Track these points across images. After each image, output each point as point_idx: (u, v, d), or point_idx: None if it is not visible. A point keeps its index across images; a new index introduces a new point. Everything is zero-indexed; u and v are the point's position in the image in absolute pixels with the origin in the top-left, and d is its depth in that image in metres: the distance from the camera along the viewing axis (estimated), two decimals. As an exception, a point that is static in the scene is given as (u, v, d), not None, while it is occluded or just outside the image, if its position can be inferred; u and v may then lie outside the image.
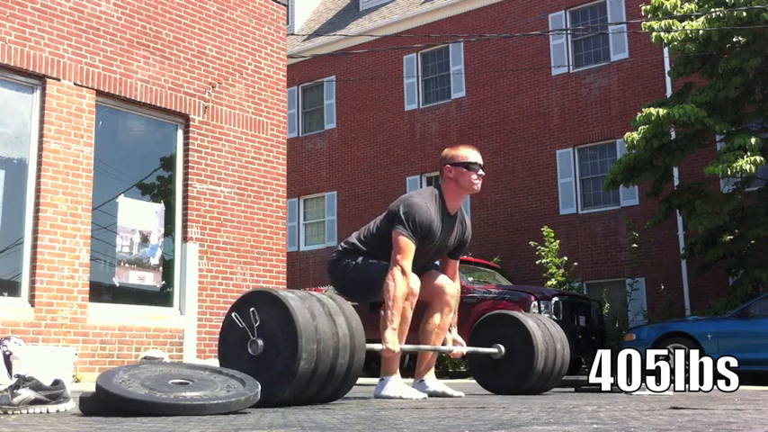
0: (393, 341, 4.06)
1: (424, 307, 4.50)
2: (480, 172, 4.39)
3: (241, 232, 9.14)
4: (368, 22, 21.40)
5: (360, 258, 4.32)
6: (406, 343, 4.31)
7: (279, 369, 3.29)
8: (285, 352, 3.28)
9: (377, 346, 4.06)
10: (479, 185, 4.40)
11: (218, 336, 9.09)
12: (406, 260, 4.13)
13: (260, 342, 3.36)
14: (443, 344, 4.58)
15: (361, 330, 3.52)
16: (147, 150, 8.94)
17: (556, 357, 4.89)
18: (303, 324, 3.26)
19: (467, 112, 19.28)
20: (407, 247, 4.15)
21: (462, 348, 4.62)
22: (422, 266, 4.42)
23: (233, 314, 3.44)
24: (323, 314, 3.39)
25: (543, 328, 4.93)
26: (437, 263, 4.75)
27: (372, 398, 4.19)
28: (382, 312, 4.17)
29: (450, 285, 4.49)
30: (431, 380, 4.47)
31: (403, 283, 4.09)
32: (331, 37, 20.89)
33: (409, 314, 4.21)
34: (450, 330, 4.62)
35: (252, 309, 3.38)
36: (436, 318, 4.47)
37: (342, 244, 4.50)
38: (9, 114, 7.65)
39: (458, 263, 4.71)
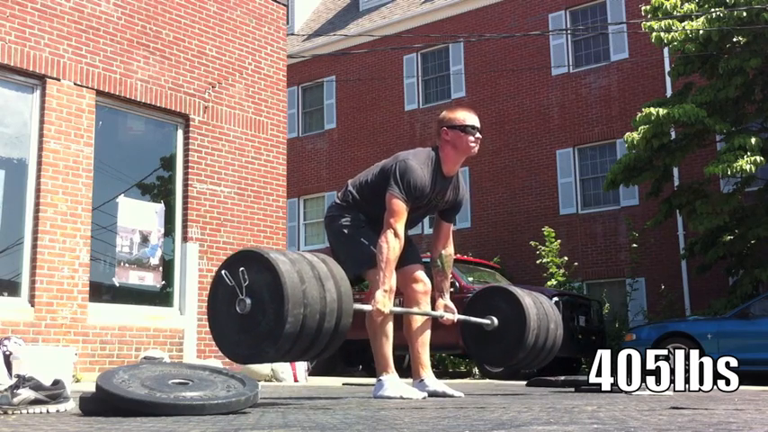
0: (383, 302, 4.08)
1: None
2: (477, 135, 4.41)
3: (241, 232, 9.14)
4: (368, 22, 21.40)
5: (356, 225, 4.31)
6: (395, 343, 4.32)
7: (264, 330, 3.35)
8: (271, 314, 3.34)
9: (365, 307, 4.08)
10: (476, 148, 4.42)
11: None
12: (399, 223, 4.18)
13: (248, 301, 3.40)
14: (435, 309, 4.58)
15: (350, 295, 3.57)
16: (147, 150, 8.94)
17: (548, 337, 4.89)
18: (291, 288, 3.31)
19: (467, 112, 19.25)
20: (400, 209, 4.19)
21: (453, 316, 4.62)
22: (407, 225, 4.42)
23: (223, 272, 3.49)
24: (312, 278, 3.44)
25: (539, 305, 4.94)
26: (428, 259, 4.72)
27: (372, 398, 4.18)
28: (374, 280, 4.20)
29: (421, 282, 4.49)
30: (430, 379, 4.46)
31: (396, 246, 4.13)
32: (331, 37, 20.89)
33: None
34: (442, 296, 4.63)
35: (242, 269, 3.42)
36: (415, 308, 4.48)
37: (337, 197, 4.50)
38: (9, 114, 7.65)
39: (452, 226, 4.70)
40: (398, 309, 4.28)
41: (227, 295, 3.48)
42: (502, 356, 4.90)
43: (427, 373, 4.47)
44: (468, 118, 4.42)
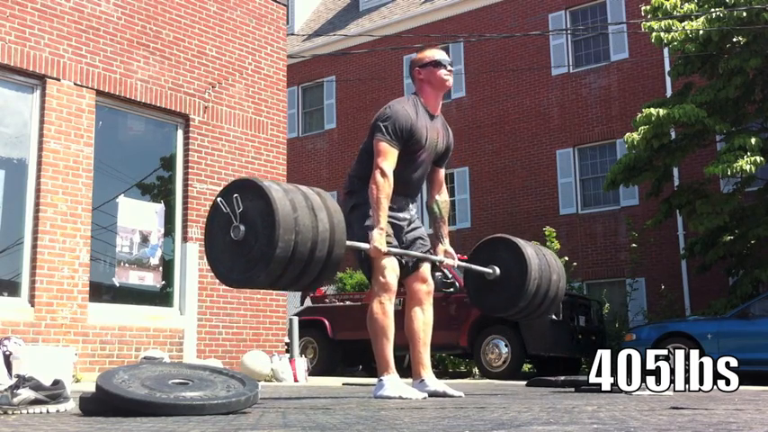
0: (380, 240, 4.10)
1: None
2: (449, 68, 4.49)
3: (241, 232, 9.13)
4: (368, 22, 21.40)
5: (360, 219, 4.28)
6: (396, 343, 4.31)
7: (257, 255, 3.50)
8: (263, 239, 3.47)
9: (363, 245, 4.09)
10: (450, 81, 4.50)
11: (217, 336, 9.06)
12: (386, 161, 4.19)
13: (242, 228, 3.55)
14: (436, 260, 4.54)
15: (343, 227, 3.66)
16: (147, 150, 8.94)
17: (550, 287, 4.89)
18: (283, 215, 3.44)
19: (467, 112, 19.28)
20: (386, 149, 4.21)
21: (453, 261, 4.62)
22: (419, 179, 4.43)
23: (218, 199, 3.65)
24: (305, 207, 3.56)
25: (542, 257, 4.95)
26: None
27: (372, 398, 4.18)
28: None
29: (426, 282, 4.49)
30: (430, 379, 4.46)
31: (384, 185, 4.14)
32: (331, 37, 20.90)
33: (389, 308, 4.23)
34: (441, 241, 4.63)
35: (236, 195, 3.56)
36: (418, 312, 4.46)
37: (343, 191, 4.51)
38: (9, 114, 7.65)
39: (443, 171, 4.71)
40: (396, 249, 4.24)
41: (223, 223, 3.63)
42: (503, 304, 4.90)
43: (427, 373, 4.46)
44: (437, 54, 4.51)
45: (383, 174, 4.17)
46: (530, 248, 4.89)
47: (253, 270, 3.50)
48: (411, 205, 4.53)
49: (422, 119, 4.37)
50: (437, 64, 4.45)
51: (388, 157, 4.21)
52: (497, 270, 4.84)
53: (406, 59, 20.19)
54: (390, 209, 4.28)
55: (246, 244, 3.54)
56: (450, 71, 4.49)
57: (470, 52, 19.42)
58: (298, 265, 3.51)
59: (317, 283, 3.77)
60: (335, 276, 4.07)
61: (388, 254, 4.17)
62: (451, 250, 4.67)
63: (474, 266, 4.87)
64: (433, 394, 4.31)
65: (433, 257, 4.52)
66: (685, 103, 12.87)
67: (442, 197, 4.69)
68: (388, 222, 4.26)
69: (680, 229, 15.94)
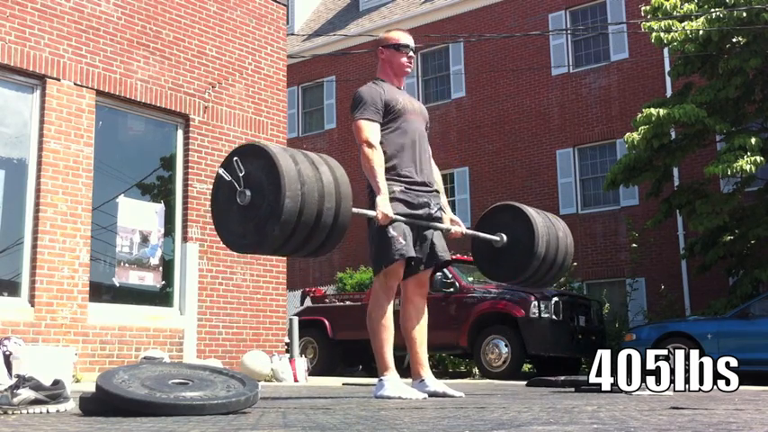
0: (385, 205, 4.10)
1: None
2: (410, 54, 4.53)
3: (241, 232, 9.13)
4: (368, 22, 21.40)
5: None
6: (395, 343, 4.31)
7: (267, 211, 3.49)
8: (271, 194, 3.48)
9: (369, 212, 4.09)
10: (410, 68, 4.55)
11: (217, 336, 9.05)
12: (368, 134, 4.22)
13: (247, 192, 3.56)
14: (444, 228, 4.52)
15: (347, 180, 3.69)
16: (147, 150, 8.94)
17: (558, 245, 4.88)
18: (285, 167, 3.46)
19: (467, 112, 19.29)
20: (364, 124, 4.25)
21: (460, 228, 4.62)
22: (418, 143, 4.40)
23: (220, 170, 3.67)
24: (305, 161, 3.59)
25: (543, 216, 4.96)
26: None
27: (372, 398, 4.18)
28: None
29: (425, 287, 4.49)
30: (430, 379, 4.46)
31: (374, 154, 4.18)
32: (331, 37, 20.90)
33: (389, 309, 4.23)
34: (444, 211, 4.62)
35: (235, 159, 3.58)
36: (414, 313, 4.46)
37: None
38: (9, 114, 7.65)
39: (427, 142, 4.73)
40: (402, 218, 4.20)
41: (228, 193, 3.63)
42: (515, 270, 4.86)
43: (427, 373, 4.46)
44: (402, 38, 4.52)
45: (369, 145, 4.20)
46: (531, 209, 4.90)
47: (266, 226, 3.47)
48: (431, 198, 4.44)
49: (389, 90, 4.42)
50: (398, 47, 4.49)
51: (368, 130, 4.24)
52: (504, 237, 4.83)
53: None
54: (405, 180, 4.29)
55: (254, 205, 3.54)
56: (410, 57, 4.53)
57: (470, 52, 19.43)
58: (309, 218, 3.49)
59: (331, 241, 3.66)
60: (342, 239, 4.00)
61: (393, 224, 4.14)
62: (457, 218, 4.67)
63: (481, 234, 4.86)
64: (432, 394, 4.31)
65: (441, 225, 4.48)
66: (685, 103, 12.87)
67: (434, 170, 4.66)
68: (404, 198, 4.26)
69: (680, 229, 15.93)
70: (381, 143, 4.29)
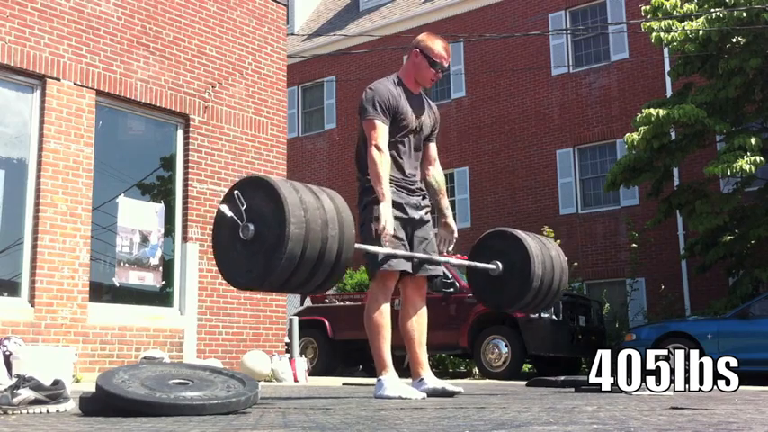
0: (388, 215, 4.09)
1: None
2: (440, 73, 4.52)
3: (241, 232, 9.13)
4: (368, 22, 21.40)
5: (369, 220, 4.26)
6: (395, 343, 4.31)
7: (272, 240, 3.40)
8: (275, 224, 3.40)
9: (371, 248, 4.06)
10: (432, 84, 4.56)
11: (217, 336, 9.04)
12: (379, 137, 4.20)
13: (250, 226, 3.47)
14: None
15: (347, 207, 3.63)
16: (147, 150, 8.93)
17: (554, 265, 4.87)
18: (287, 194, 3.40)
19: (467, 112, 19.28)
20: (376, 125, 4.22)
21: (453, 233, 4.62)
22: (415, 157, 4.44)
23: (221, 206, 3.58)
24: (305, 190, 3.55)
25: (535, 238, 4.96)
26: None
27: (372, 398, 4.18)
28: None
29: (419, 288, 4.50)
30: (429, 378, 4.46)
31: (382, 159, 4.15)
32: (331, 37, 20.90)
33: (386, 308, 4.23)
34: (444, 213, 4.66)
35: (236, 192, 3.51)
36: (413, 313, 4.47)
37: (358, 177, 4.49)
38: (9, 114, 7.65)
39: (435, 146, 4.72)
40: (402, 252, 4.18)
41: (230, 230, 3.55)
42: (510, 299, 4.86)
43: (426, 371, 4.46)
44: (444, 57, 4.49)
45: (378, 148, 4.18)
46: (530, 239, 4.88)
47: (273, 258, 3.38)
48: (422, 200, 4.47)
49: (404, 97, 4.40)
50: (434, 64, 4.46)
51: (379, 132, 4.22)
52: (500, 265, 4.83)
53: (405, 60, 20.19)
54: (400, 188, 4.29)
55: (260, 236, 3.46)
56: (438, 76, 4.53)
57: (470, 52, 19.42)
58: (314, 246, 3.43)
59: (338, 270, 3.60)
60: (345, 272, 3.98)
61: (392, 239, 4.13)
62: (452, 223, 4.68)
63: (477, 264, 4.85)
64: (432, 392, 4.31)
65: (437, 258, 4.49)
66: (685, 103, 12.87)
67: (438, 170, 4.68)
68: (397, 216, 4.25)
69: (680, 229, 15.93)
70: None
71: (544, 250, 4.87)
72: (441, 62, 4.47)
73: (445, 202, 4.70)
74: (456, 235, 4.68)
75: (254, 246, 3.47)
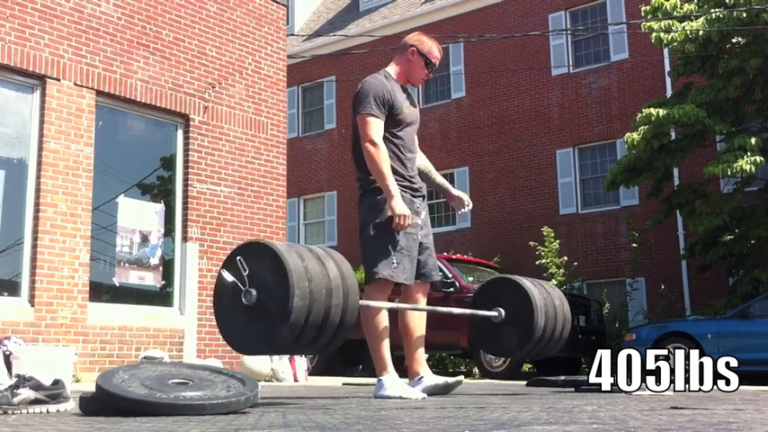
0: (401, 207, 4.07)
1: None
2: (431, 73, 4.59)
3: (241, 232, 9.14)
4: (368, 22, 21.40)
5: (382, 208, 4.21)
6: (396, 343, 4.33)
7: (275, 311, 3.33)
8: (278, 294, 3.33)
9: (376, 303, 4.06)
10: (421, 83, 4.65)
11: (217, 336, 9.06)
12: (373, 131, 4.17)
13: (253, 291, 3.40)
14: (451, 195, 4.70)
15: (352, 274, 3.57)
16: (147, 150, 8.94)
17: (557, 314, 4.87)
18: (293, 264, 3.32)
19: (467, 112, 19.28)
20: (370, 120, 4.19)
21: (465, 203, 4.68)
22: (412, 149, 4.46)
23: (222, 271, 3.51)
24: (311, 257, 3.47)
25: (539, 286, 4.95)
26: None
27: (372, 398, 4.18)
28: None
29: (422, 294, 4.52)
30: (428, 375, 4.46)
31: (380, 154, 4.12)
32: (331, 37, 20.90)
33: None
34: (446, 186, 4.73)
35: (239, 258, 3.44)
36: (413, 313, 4.48)
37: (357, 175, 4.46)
38: (9, 114, 7.65)
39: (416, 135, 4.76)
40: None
41: (232, 293, 3.48)
42: (513, 347, 4.87)
43: (425, 369, 4.47)
44: (435, 54, 4.54)
45: (373, 143, 4.15)
46: (526, 281, 4.89)
47: (275, 329, 3.32)
48: (422, 201, 4.49)
49: (398, 91, 4.42)
50: (428, 63, 4.51)
51: (373, 127, 4.19)
52: (503, 312, 4.82)
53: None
54: (405, 188, 4.28)
55: (261, 305, 3.39)
56: (429, 76, 4.59)
57: (470, 52, 19.42)
58: (317, 314, 3.37)
59: (339, 335, 3.56)
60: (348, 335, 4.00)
61: (409, 225, 4.12)
62: (459, 192, 4.75)
63: (479, 312, 4.85)
64: (433, 389, 4.31)
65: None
66: (685, 103, 12.86)
67: (421, 155, 4.68)
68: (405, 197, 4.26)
69: (680, 229, 15.93)
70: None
71: (547, 298, 4.86)
72: (434, 61, 4.54)
73: (440, 178, 4.74)
74: (468, 199, 4.73)
75: (255, 312, 3.41)
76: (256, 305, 3.40)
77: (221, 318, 3.59)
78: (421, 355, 4.49)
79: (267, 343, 3.36)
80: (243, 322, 3.41)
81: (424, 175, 4.66)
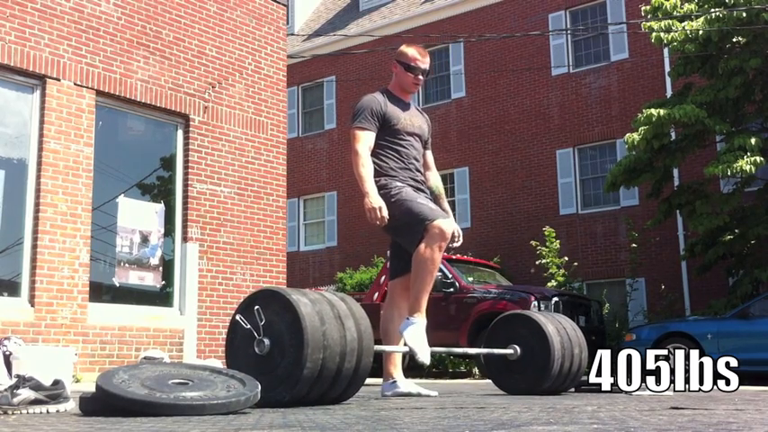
0: (375, 200, 4.24)
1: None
2: (420, 77, 4.63)
3: (241, 232, 9.14)
4: (368, 22, 21.40)
5: (395, 192, 4.39)
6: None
7: (282, 374, 3.28)
8: (290, 357, 3.28)
9: (386, 348, 4.10)
10: (417, 87, 4.69)
11: (217, 336, 9.07)
12: (359, 144, 4.39)
13: (266, 342, 3.37)
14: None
15: (370, 333, 3.52)
16: (147, 150, 8.93)
17: (573, 361, 4.82)
18: (311, 331, 3.25)
19: (467, 112, 19.28)
20: (358, 134, 4.42)
21: (458, 235, 4.71)
22: (414, 157, 4.58)
23: (237, 316, 3.49)
24: (332, 318, 3.39)
25: (562, 331, 4.86)
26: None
27: (372, 398, 4.19)
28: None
29: (407, 290, 4.55)
30: (402, 381, 4.48)
31: (361, 161, 4.33)
32: (331, 37, 20.89)
33: (438, 257, 4.27)
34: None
35: (256, 307, 3.40)
36: (396, 314, 4.51)
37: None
38: (9, 114, 7.65)
39: (430, 153, 4.87)
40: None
41: (245, 338, 3.46)
42: (530, 385, 4.79)
43: (399, 374, 4.49)
44: (418, 59, 4.61)
45: (356, 153, 4.37)
46: (550, 326, 4.81)
47: (276, 389, 3.26)
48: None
49: (390, 103, 4.55)
50: (409, 68, 4.60)
51: (361, 140, 4.40)
52: (518, 350, 4.79)
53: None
54: (409, 186, 4.44)
55: (272, 359, 3.33)
56: (419, 80, 4.64)
57: (470, 52, 19.42)
58: (325, 382, 3.33)
59: (344, 397, 3.55)
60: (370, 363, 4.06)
61: (382, 219, 4.24)
62: (456, 226, 4.75)
63: (495, 351, 4.83)
64: (406, 396, 4.33)
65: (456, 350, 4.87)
66: (685, 103, 12.86)
67: (435, 175, 4.84)
68: (409, 184, 4.44)
69: (680, 230, 15.93)
70: (381, 156, 4.44)
71: (566, 343, 4.80)
72: (416, 64, 4.59)
73: (446, 205, 4.82)
74: (460, 232, 4.73)
75: (265, 364, 3.36)
76: (267, 356, 3.36)
77: (231, 356, 3.55)
78: (398, 359, 4.52)
79: (267, 401, 3.25)
80: (252, 371, 3.32)
81: (432, 195, 4.76)
